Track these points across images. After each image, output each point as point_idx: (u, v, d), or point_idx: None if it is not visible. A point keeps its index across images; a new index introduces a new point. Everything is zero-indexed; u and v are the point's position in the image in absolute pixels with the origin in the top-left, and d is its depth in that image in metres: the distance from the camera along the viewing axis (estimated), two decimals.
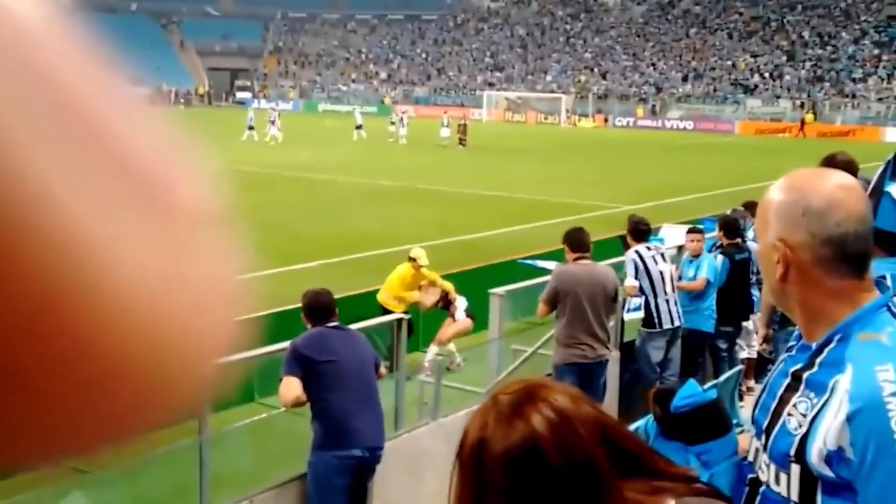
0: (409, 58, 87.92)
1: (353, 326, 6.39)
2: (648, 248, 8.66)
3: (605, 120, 66.24)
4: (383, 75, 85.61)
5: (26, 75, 0.34)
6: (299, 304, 6.07)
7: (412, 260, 10.98)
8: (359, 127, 46.87)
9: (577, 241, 7.81)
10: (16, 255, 0.32)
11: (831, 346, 1.93)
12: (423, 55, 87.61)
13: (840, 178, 2.01)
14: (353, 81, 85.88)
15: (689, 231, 9.72)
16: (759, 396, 2.12)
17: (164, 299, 0.36)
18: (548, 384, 1.69)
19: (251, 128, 43.06)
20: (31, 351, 0.33)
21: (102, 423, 0.36)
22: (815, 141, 50.35)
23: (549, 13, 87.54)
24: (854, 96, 62.51)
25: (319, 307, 5.91)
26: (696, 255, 9.11)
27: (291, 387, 5.56)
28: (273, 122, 43.21)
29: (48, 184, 0.33)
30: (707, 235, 10.66)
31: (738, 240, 9.24)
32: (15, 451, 0.35)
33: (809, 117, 59.00)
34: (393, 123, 46.56)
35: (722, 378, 7.28)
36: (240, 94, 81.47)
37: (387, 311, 9.66)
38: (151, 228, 0.36)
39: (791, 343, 2.12)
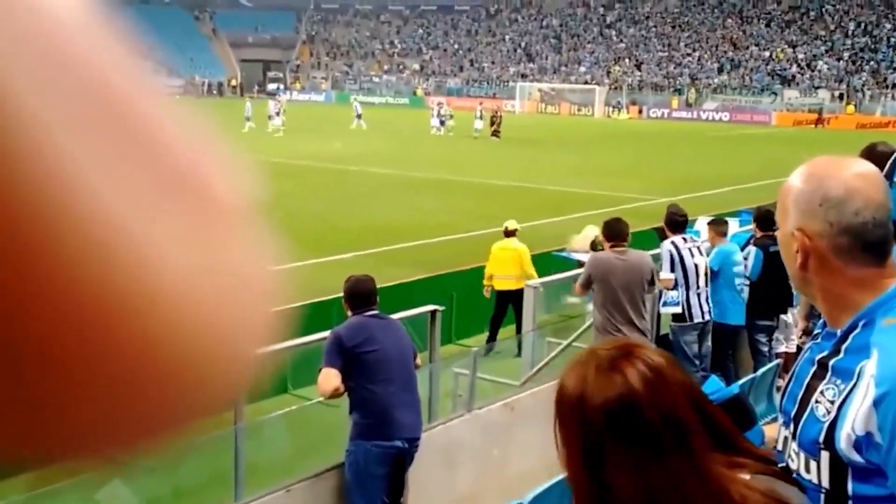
0: (442, 49, 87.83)
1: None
2: (685, 240, 8.59)
3: (640, 111, 65.83)
4: (416, 66, 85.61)
5: (63, 66, 0.34)
6: (332, 296, 6.07)
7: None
8: (359, 116, 47.06)
9: (614, 230, 7.87)
10: (52, 247, 0.32)
11: (856, 332, 1.92)
12: (456, 46, 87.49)
13: (859, 166, 2.00)
14: (386, 73, 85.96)
15: (709, 223, 9.83)
16: (787, 385, 2.12)
17: (203, 294, 0.36)
18: (645, 345, 1.80)
19: (248, 119, 42.85)
20: (70, 346, 0.33)
21: (143, 418, 0.36)
22: (855, 133, 49.73)
23: (583, 3, 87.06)
24: (894, 86, 61.65)
25: (362, 293, 5.88)
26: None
27: (331, 378, 5.55)
28: (278, 114, 43.09)
29: (84, 175, 0.33)
30: (745, 228, 10.57)
31: (773, 232, 9.14)
32: (57, 445, 0.35)
33: (841, 107, 58.25)
34: (441, 120, 45.85)
35: (759, 373, 7.22)
36: (271, 86, 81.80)
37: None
38: (189, 221, 0.36)
39: (816, 331, 2.11)
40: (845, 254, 1.91)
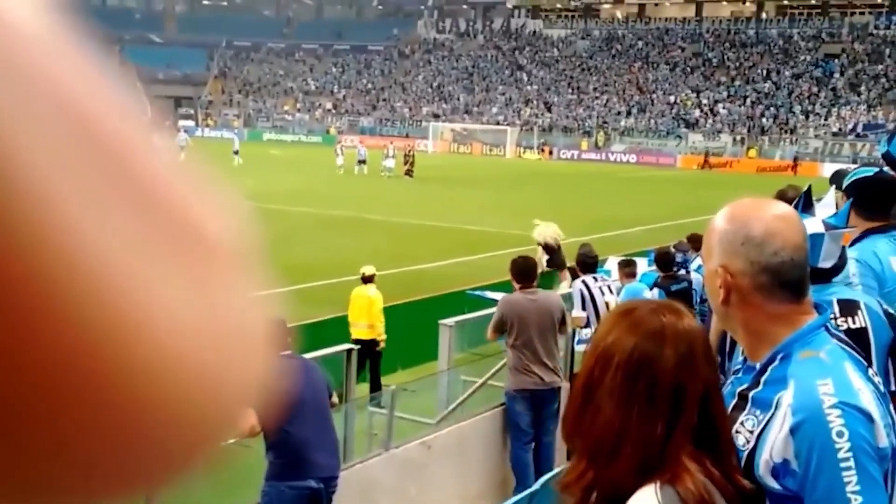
0: (355, 88, 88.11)
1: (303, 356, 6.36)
2: (595, 279, 8.78)
3: (550, 152, 66.92)
4: (329, 105, 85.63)
5: (52, 103, 0.32)
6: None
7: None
8: (236, 152, 46.88)
9: (522, 270, 7.88)
10: (40, 295, 0.31)
11: (774, 364, 2.02)
12: (369, 86, 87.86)
13: (779, 208, 2.13)
14: (299, 111, 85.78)
15: (619, 263, 10.12)
16: None
17: (196, 337, 0.35)
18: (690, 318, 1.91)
19: None
20: (58, 397, 0.32)
21: (135, 470, 0.35)
22: (756, 176, 51.42)
23: (495, 46, 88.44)
24: (793, 132, 64.01)
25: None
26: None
27: (246, 417, 5.50)
28: (182, 148, 42.44)
29: (75, 220, 0.32)
30: (651, 268, 10.84)
31: (673, 272, 9.41)
32: (37, 496, 0.34)
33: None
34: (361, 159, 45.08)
35: None
36: (182, 122, 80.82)
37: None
38: (181, 263, 0.36)
39: (737, 367, 2.21)
40: (765, 291, 2.02)
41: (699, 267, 9.47)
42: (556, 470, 6.12)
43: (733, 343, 2.46)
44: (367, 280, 11.07)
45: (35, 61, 0.33)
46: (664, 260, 9.43)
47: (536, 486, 5.56)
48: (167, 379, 0.34)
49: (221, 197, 0.39)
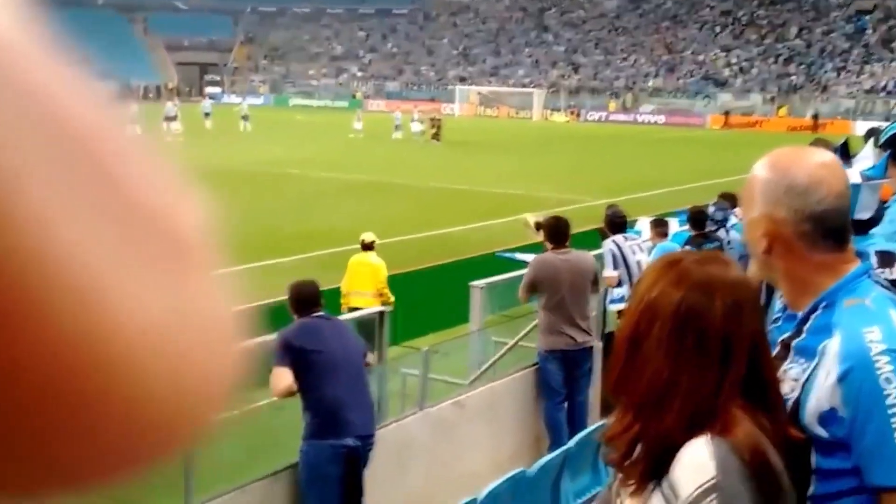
0: (381, 52, 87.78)
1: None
2: (626, 239, 8.74)
3: (577, 114, 66.48)
4: (355, 70, 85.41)
5: (18, 99, 0.33)
6: (273, 300, 6.07)
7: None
8: (244, 118, 46.60)
9: (555, 231, 7.85)
10: (16, 295, 0.32)
11: (817, 313, 2.02)
12: (395, 49, 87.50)
13: (821, 156, 2.12)
14: (324, 76, 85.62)
15: (651, 222, 10.04)
16: None
17: (170, 336, 0.36)
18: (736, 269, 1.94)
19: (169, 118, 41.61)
20: (36, 393, 0.33)
21: (107, 458, 0.36)
22: (787, 134, 50.80)
23: (521, 8, 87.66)
24: (825, 89, 63.15)
25: (306, 297, 5.92)
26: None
27: (282, 377, 5.57)
28: (175, 118, 41.42)
29: (50, 220, 0.33)
30: (685, 227, 10.76)
31: (706, 231, 9.36)
32: (19, 485, 0.35)
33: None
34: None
35: None
36: (209, 89, 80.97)
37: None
38: (155, 263, 0.36)
39: (776, 315, 2.21)
40: (808, 239, 2.00)
41: (736, 224, 9.40)
42: (590, 428, 6.14)
43: (770, 293, 2.45)
44: (367, 247, 10.63)
45: (12, 68, 0.33)
46: (698, 218, 9.37)
47: (571, 443, 5.57)
48: (143, 375, 0.35)
49: (195, 193, 0.40)
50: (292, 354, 5.60)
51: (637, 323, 1.85)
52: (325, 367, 5.63)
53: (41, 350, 0.33)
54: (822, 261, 2.02)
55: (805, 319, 2.04)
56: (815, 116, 57.26)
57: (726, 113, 61.55)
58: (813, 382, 1.94)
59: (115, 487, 0.37)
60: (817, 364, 1.95)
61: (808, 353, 1.98)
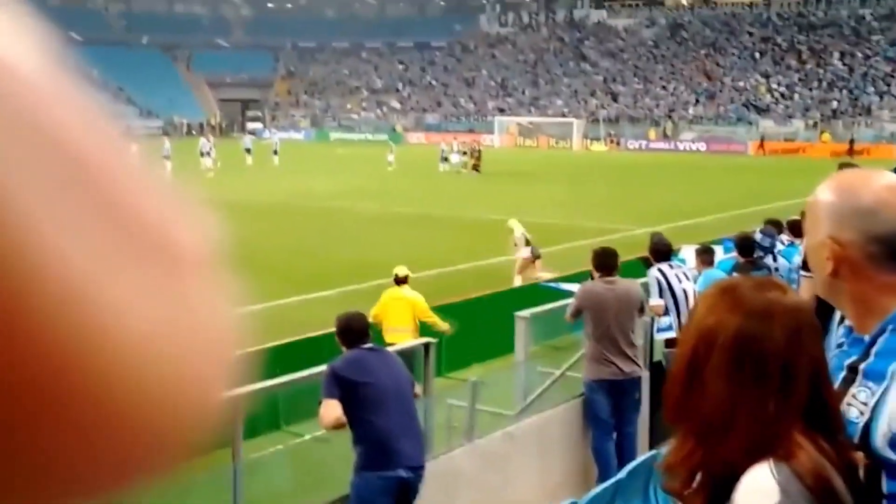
0: (419, 85, 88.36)
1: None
2: (671, 267, 8.68)
3: (617, 143, 66.34)
4: (394, 103, 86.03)
5: (30, 129, 0.34)
6: (320, 332, 6.11)
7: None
8: (275, 152, 47.06)
9: (603, 261, 7.88)
10: (15, 308, 0.32)
11: (886, 335, 1.99)
12: (433, 82, 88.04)
13: (886, 178, 2.10)
14: (364, 109, 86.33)
15: (696, 251, 9.94)
16: None
17: (166, 347, 0.37)
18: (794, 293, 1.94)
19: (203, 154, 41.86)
20: (32, 404, 0.33)
21: (109, 472, 0.37)
22: (830, 160, 50.30)
23: (558, 38, 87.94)
24: (869, 113, 62.49)
25: (354, 330, 5.95)
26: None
27: (332, 409, 5.58)
28: (209, 153, 41.54)
29: (45, 231, 0.33)
30: (730, 255, 10.67)
31: (754, 257, 9.28)
32: (7, 496, 0.35)
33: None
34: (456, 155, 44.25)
35: None
36: (251, 125, 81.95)
37: None
38: (150, 273, 0.37)
39: (840, 339, 2.19)
40: (875, 261, 1.99)
41: (784, 250, 9.31)
42: (641, 458, 6.07)
43: (827, 317, 2.42)
44: (400, 281, 10.42)
45: (29, 101, 0.35)
46: (746, 245, 9.31)
47: (622, 474, 5.52)
48: (135, 383, 0.35)
49: (195, 210, 0.40)
50: (341, 386, 5.62)
51: (694, 350, 1.84)
52: (375, 399, 5.63)
53: (32, 355, 0.33)
54: (889, 282, 2.00)
55: (873, 342, 2.02)
56: (851, 142, 56.69)
57: (761, 139, 61.06)
58: (883, 406, 1.92)
59: (110, 499, 0.37)
60: (887, 387, 1.93)
61: (878, 376, 1.96)
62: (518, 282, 15.47)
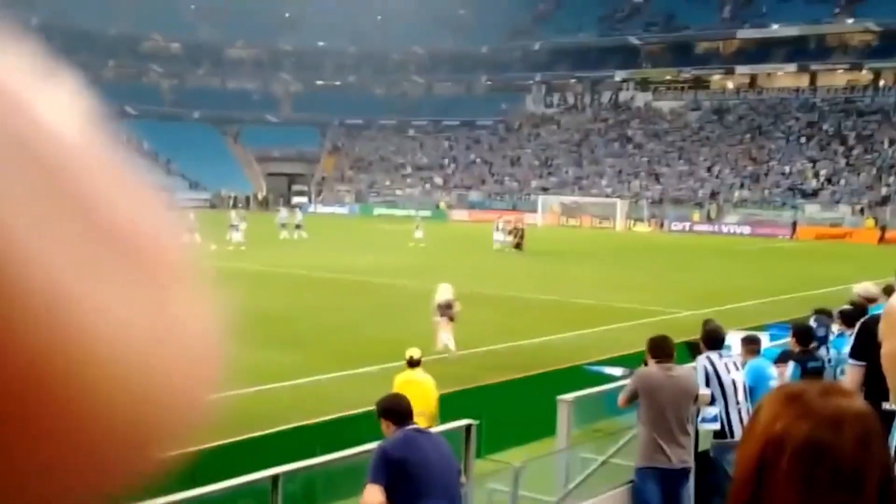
0: (464, 162, 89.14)
1: None
2: (720, 356, 8.53)
3: (661, 224, 66.19)
4: (438, 180, 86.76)
5: (41, 173, 0.36)
6: (359, 410, 6.03)
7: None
8: (233, 225, 45.69)
9: (658, 347, 7.81)
10: (3, 320, 0.33)
11: None
12: (478, 160, 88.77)
13: None
14: (409, 186, 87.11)
15: (742, 339, 9.79)
16: None
17: (150, 355, 0.38)
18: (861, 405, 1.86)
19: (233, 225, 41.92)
20: (18, 412, 0.34)
21: (93, 476, 0.37)
22: (876, 247, 49.75)
23: (602, 119, 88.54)
24: None
25: (403, 410, 5.85)
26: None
27: (375, 494, 5.43)
28: (237, 227, 41.50)
29: (31, 246, 0.35)
30: (776, 343, 10.50)
31: (811, 347, 9.14)
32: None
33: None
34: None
35: None
36: (296, 199, 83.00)
37: None
38: (136, 286, 0.38)
39: None
40: None
41: (834, 340, 9.14)
42: None
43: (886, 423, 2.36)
44: (413, 364, 10.14)
45: (67, 168, 0.37)
46: (804, 334, 9.20)
47: None
48: (118, 390, 0.36)
49: (180, 229, 0.42)
50: (390, 469, 5.47)
51: (761, 457, 1.80)
52: (422, 484, 5.50)
53: (14, 363, 0.34)
54: None
55: None
56: (883, 228, 56.14)
57: (794, 224, 60.67)
58: None
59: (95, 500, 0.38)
60: None
61: None
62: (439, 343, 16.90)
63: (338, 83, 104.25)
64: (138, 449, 0.38)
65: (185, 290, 0.41)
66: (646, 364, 7.90)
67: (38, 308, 0.34)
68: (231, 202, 78.35)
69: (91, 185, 0.39)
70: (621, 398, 7.86)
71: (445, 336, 16.80)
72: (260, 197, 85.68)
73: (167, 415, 0.39)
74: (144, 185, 0.41)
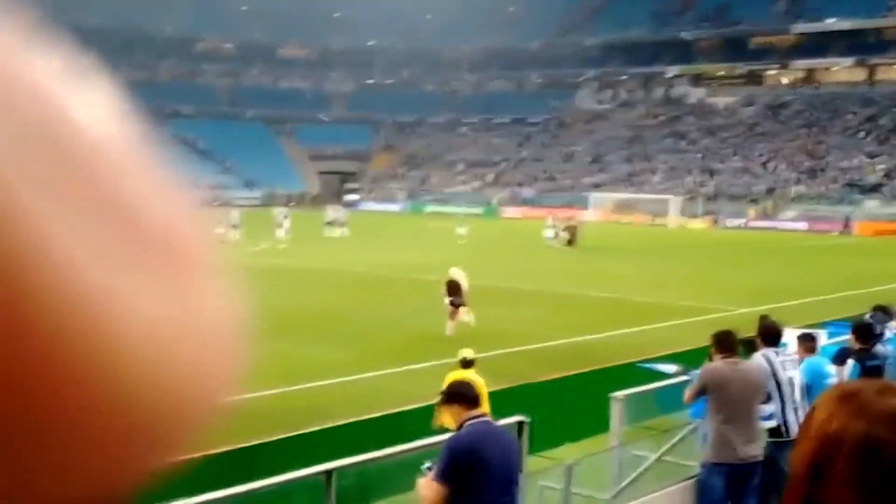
0: (515, 160, 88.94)
1: None
2: (777, 353, 8.42)
3: (715, 221, 65.43)
4: (490, 177, 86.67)
5: (32, 131, 0.36)
6: (414, 405, 6.07)
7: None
8: (329, 223, 46.75)
9: (724, 341, 7.79)
10: (23, 308, 0.34)
11: None
12: (529, 157, 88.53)
13: None
14: (461, 183, 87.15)
15: (799, 337, 9.66)
16: None
17: (172, 346, 0.38)
18: None
19: (280, 225, 42.16)
20: (41, 400, 0.34)
21: (117, 466, 0.38)
22: None
23: (655, 115, 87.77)
24: None
25: (471, 394, 5.86)
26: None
27: (435, 493, 5.42)
28: (281, 225, 41.83)
29: (54, 236, 0.35)
30: (833, 340, 10.35)
31: (871, 345, 8.99)
32: (26, 497, 0.36)
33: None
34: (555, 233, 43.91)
35: None
36: (348, 197, 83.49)
37: None
38: (158, 276, 0.39)
39: None
40: None
41: (892, 338, 8.99)
42: None
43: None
44: (466, 365, 10.15)
45: (106, 172, 0.38)
46: (865, 332, 9.06)
47: None
48: (142, 379, 0.37)
49: (204, 226, 0.43)
50: (456, 471, 5.46)
51: (816, 457, 1.77)
52: (484, 484, 5.48)
53: (40, 354, 0.34)
54: None
55: None
56: None
57: (846, 220, 59.57)
58: None
59: (117, 494, 0.38)
60: None
61: None
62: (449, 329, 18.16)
63: (389, 81, 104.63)
64: (162, 438, 0.39)
65: (209, 287, 0.42)
66: (710, 359, 7.86)
67: (65, 299, 0.35)
68: (286, 200, 79.17)
69: (120, 180, 0.39)
70: (687, 394, 7.81)
71: (454, 322, 18.11)
72: (313, 194, 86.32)
73: (188, 410, 0.39)
74: (173, 181, 0.42)
